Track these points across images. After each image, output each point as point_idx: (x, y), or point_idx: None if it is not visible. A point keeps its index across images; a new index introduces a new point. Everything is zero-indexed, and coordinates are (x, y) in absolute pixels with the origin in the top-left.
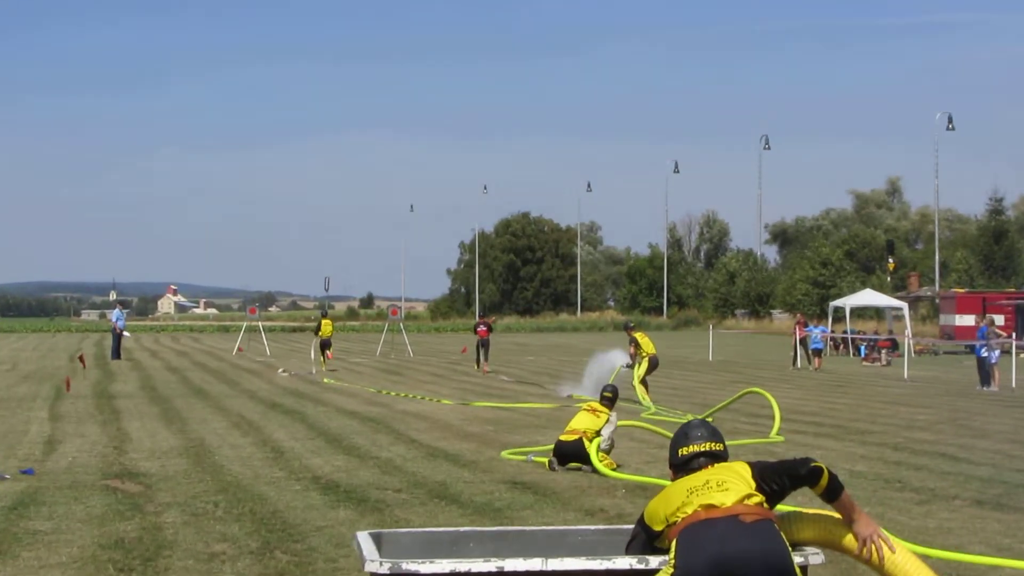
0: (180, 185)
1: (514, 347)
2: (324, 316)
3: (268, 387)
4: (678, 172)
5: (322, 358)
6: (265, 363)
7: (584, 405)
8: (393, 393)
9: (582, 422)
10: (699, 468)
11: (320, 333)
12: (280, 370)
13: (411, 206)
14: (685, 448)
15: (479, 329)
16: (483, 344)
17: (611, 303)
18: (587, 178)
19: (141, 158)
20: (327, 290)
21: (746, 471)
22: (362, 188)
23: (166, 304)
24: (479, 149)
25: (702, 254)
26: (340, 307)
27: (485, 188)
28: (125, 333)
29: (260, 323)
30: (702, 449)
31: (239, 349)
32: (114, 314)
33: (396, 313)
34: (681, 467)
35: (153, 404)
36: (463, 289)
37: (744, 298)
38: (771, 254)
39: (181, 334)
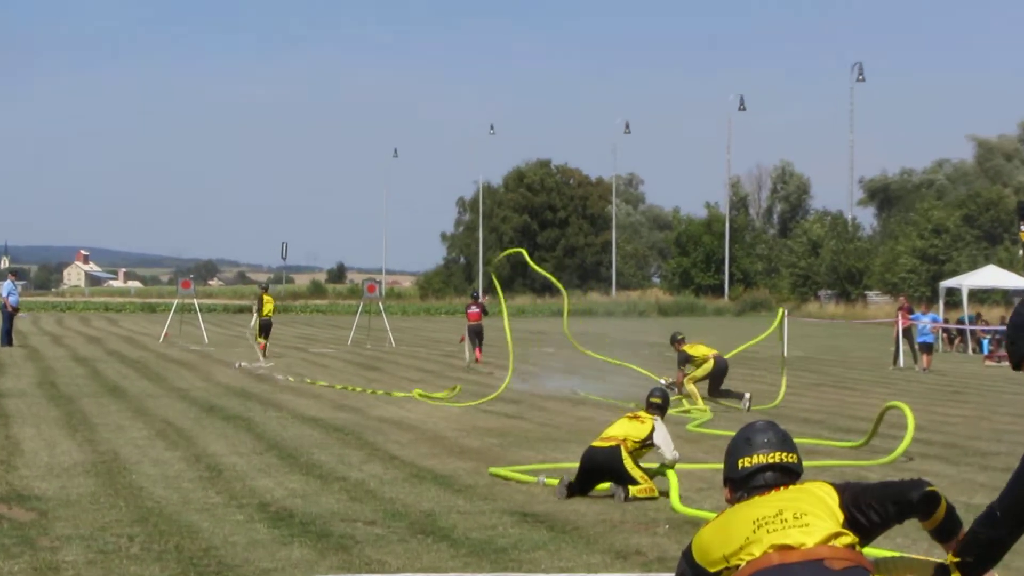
0: (89, 121)
1: (528, 336)
2: (265, 291)
3: (204, 385)
4: (744, 110)
5: (258, 344)
6: (201, 353)
7: (627, 412)
8: (369, 391)
9: (622, 428)
10: (766, 487)
11: (261, 312)
12: (237, 364)
13: (394, 151)
14: (747, 458)
15: (469, 311)
16: (475, 332)
17: (655, 279)
18: (624, 116)
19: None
20: (284, 258)
21: (831, 497)
22: (331, 124)
23: (74, 275)
24: (485, 76)
25: (775, 217)
26: (302, 281)
27: (492, 128)
28: (20, 313)
29: (196, 301)
30: (770, 461)
31: (166, 335)
32: (4, 287)
33: (373, 290)
34: (741, 483)
35: (53, 405)
36: (462, 259)
37: (831, 275)
38: (866, 218)
39: (93, 314)
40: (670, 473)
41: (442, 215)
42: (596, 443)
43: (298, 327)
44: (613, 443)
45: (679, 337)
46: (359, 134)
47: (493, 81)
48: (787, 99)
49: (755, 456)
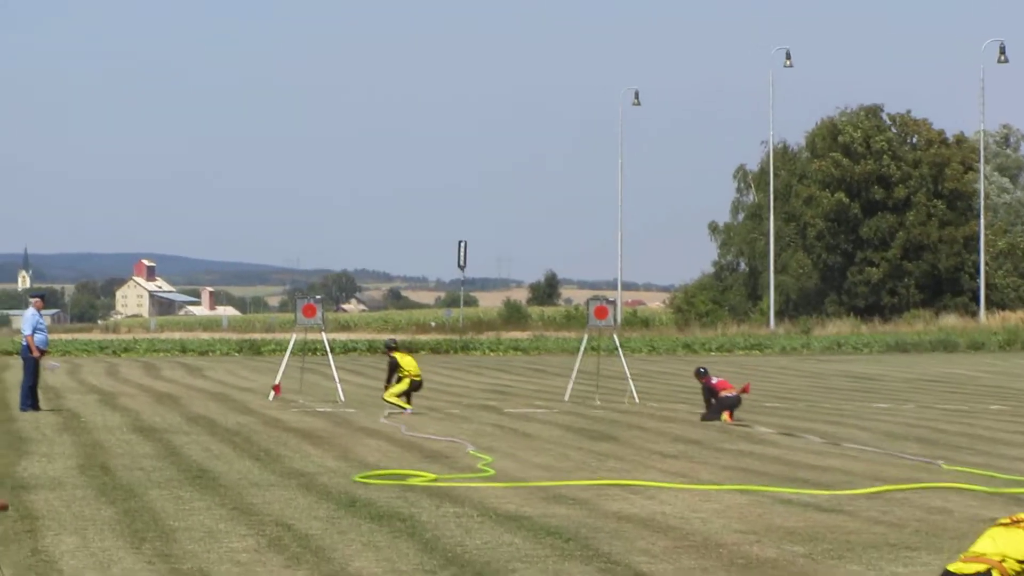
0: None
1: (848, 382)
2: (394, 348)
3: (339, 465)
4: None
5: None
6: (335, 416)
7: (1004, 518)
8: (596, 481)
9: (995, 542)
10: None
11: (401, 371)
12: (386, 413)
13: (635, 94)
14: None
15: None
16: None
17: None
18: (995, 37)
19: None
20: (463, 267)
21: None
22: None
23: (133, 297)
24: None
25: None
26: (490, 301)
27: (789, 58)
28: (49, 362)
29: (325, 335)
30: None
31: (277, 389)
32: (26, 318)
33: (605, 314)
34: None
35: (105, 502)
36: (742, 264)
37: None
38: None
39: (163, 358)
40: None
41: (709, 196)
42: (956, 567)
43: (487, 374)
44: (983, 567)
45: None
46: (566, 73)
47: None
48: None
49: None
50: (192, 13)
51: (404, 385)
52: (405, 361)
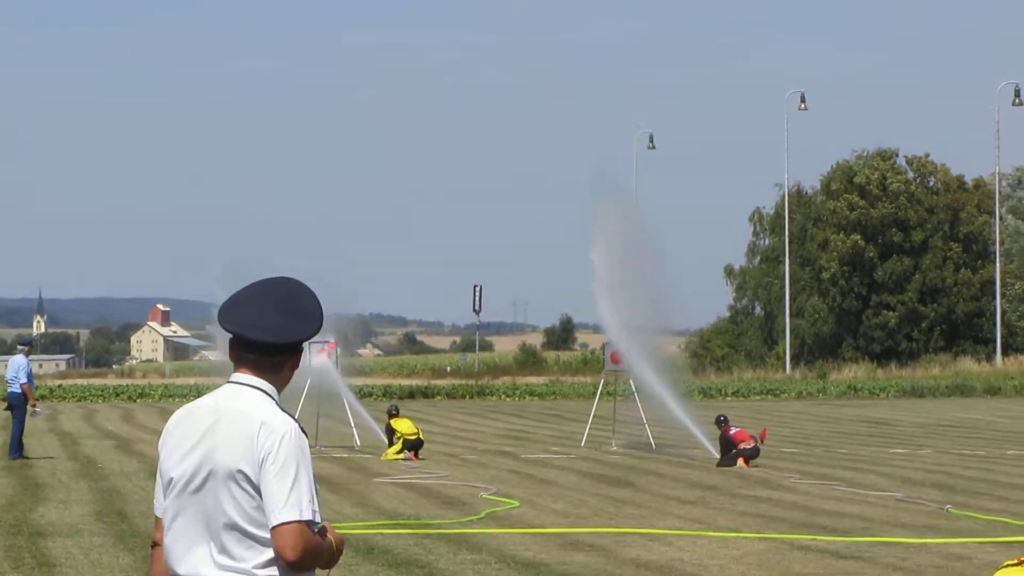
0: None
1: (864, 427)
2: (394, 416)
3: (357, 511)
4: None
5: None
6: (351, 463)
7: (1010, 559)
8: (615, 529)
9: None
10: None
11: (397, 434)
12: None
13: (649, 138)
14: None
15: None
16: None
17: None
18: (1009, 79)
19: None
20: (478, 311)
21: None
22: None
23: (148, 342)
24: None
25: None
26: (505, 346)
27: (803, 101)
28: (35, 407)
29: (341, 379)
30: None
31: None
32: (20, 365)
33: (618, 360)
34: None
35: (123, 549)
36: (757, 308)
37: None
38: None
39: (179, 403)
40: None
41: (725, 239)
42: None
43: (503, 419)
44: None
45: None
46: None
47: (799, 31)
48: None
49: None
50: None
51: (398, 446)
52: (401, 425)
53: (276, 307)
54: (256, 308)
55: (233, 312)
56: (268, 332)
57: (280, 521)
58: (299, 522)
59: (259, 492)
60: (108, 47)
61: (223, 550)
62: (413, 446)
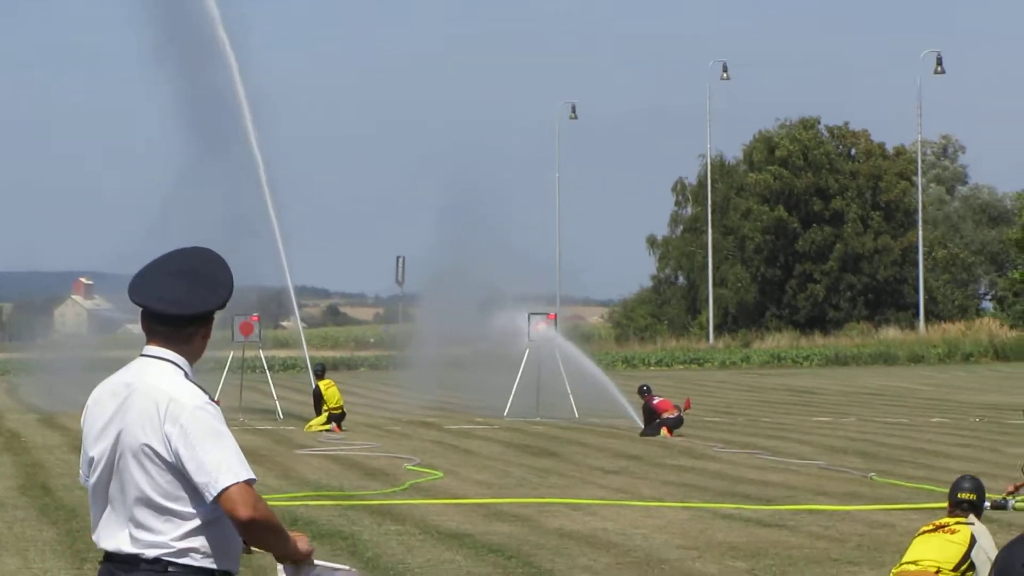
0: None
1: (788, 396)
2: (320, 375)
3: (281, 483)
4: None
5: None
6: (275, 434)
7: (927, 525)
8: (538, 500)
9: (929, 549)
10: None
11: (324, 405)
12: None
13: (571, 108)
14: None
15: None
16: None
17: (986, 304)
18: (932, 47)
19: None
20: (401, 282)
21: None
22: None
23: (71, 315)
24: None
25: None
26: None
27: (725, 71)
28: None
29: (263, 353)
30: None
31: (216, 402)
32: None
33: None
34: None
35: (47, 523)
36: (680, 278)
37: None
38: None
39: (102, 375)
40: None
41: (648, 209)
42: (897, 571)
43: (423, 392)
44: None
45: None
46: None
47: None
48: None
49: None
50: None
51: (323, 418)
52: (328, 394)
53: (183, 278)
54: (163, 280)
55: (140, 285)
56: (175, 304)
57: (221, 488)
58: (239, 483)
59: (172, 467)
60: None
61: (141, 525)
62: (337, 419)
